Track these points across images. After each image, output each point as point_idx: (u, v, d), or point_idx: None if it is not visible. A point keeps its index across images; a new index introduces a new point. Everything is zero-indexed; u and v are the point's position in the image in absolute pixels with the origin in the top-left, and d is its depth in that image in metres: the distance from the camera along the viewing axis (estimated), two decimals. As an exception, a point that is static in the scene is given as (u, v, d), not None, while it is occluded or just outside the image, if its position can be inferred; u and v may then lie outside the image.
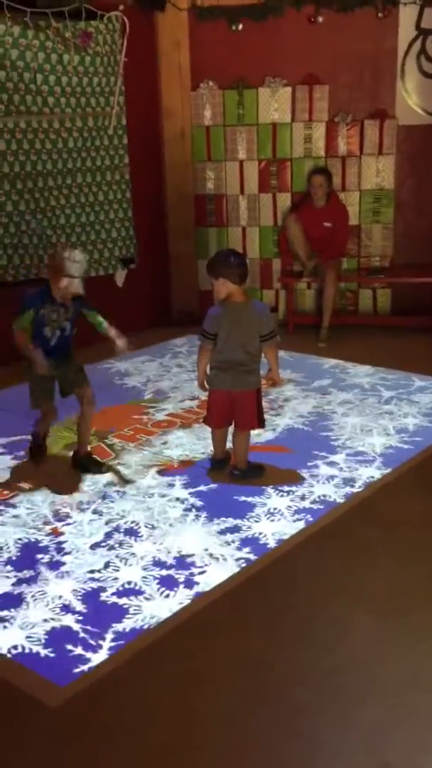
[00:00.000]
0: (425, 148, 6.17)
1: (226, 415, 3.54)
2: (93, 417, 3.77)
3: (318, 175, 6.00)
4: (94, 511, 3.27)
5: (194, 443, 3.98)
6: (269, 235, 6.43)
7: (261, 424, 3.58)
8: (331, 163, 6.22)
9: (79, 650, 2.38)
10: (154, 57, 6.10)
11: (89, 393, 3.67)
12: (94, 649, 2.39)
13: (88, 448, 3.79)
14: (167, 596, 2.65)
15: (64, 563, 2.88)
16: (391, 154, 6.16)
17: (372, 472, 3.59)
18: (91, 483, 3.55)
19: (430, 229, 6.32)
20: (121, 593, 2.68)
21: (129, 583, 2.73)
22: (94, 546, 3.00)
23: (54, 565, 2.87)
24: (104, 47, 5.56)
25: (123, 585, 2.72)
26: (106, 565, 2.85)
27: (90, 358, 5.61)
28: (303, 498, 3.35)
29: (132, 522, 3.17)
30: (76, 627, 2.50)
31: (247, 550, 2.94)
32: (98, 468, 3.70)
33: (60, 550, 2.97)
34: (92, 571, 2.81)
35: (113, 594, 2.67)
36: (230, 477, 3.58)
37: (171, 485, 3.51)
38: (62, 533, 3.10)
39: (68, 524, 3.17)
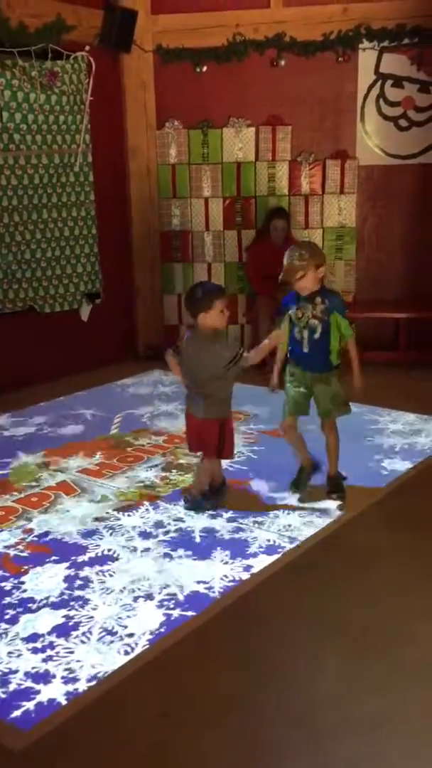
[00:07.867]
0: (385, 188, 6.33)
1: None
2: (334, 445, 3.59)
3: (281, 220, 6.09)
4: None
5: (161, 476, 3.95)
6: (234, 270, 6.49)
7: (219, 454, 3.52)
8: (294, 201, 6.34)
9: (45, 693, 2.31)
10: (119, 96, 6.19)
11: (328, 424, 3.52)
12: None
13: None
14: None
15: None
16: (353, 193, 6.30)
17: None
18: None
19: (390, 266, 6.46)
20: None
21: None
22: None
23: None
24: (70, 86, 5.63)
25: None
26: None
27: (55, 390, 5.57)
28: (270, 530, 3.34)
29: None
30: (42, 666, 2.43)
31: (218, 585, 2.90)
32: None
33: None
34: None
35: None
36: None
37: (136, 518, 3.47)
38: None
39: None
